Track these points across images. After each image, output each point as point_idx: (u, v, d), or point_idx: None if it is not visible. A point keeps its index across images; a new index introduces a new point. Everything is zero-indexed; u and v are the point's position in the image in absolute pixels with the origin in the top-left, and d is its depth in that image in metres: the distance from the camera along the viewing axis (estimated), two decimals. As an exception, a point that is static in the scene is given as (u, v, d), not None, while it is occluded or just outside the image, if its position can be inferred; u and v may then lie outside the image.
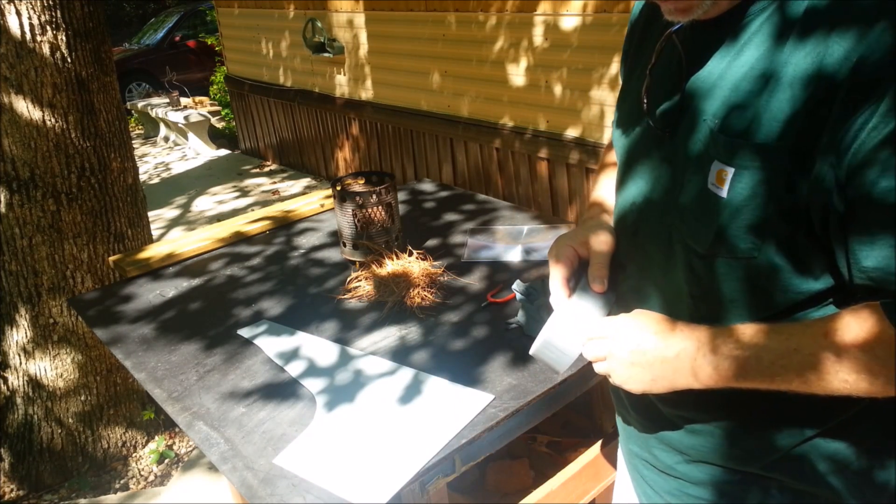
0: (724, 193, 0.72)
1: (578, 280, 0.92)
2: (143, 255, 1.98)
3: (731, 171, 0.71)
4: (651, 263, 0.86)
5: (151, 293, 1.77)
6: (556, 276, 0.92)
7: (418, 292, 1.59)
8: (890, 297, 0.65)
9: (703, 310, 0.80)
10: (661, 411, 0.91)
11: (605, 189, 1.07)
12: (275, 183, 5.84)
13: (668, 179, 0.81)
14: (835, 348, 0.67)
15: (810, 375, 0.69)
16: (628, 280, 0.91)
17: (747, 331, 0.74)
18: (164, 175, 6.53)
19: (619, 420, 1.07)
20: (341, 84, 4.96)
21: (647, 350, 0.80)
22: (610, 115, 3.12)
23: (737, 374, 0.74)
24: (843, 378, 0.68)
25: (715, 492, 0.89)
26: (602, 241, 0.93)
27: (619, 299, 0.91)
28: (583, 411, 1.89)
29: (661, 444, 0.93)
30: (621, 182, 0.93)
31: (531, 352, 0.89)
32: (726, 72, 0.73)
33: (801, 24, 0.67)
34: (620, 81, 1.02)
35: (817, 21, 0.66)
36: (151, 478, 2.63)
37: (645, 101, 0.85)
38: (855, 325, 0.67)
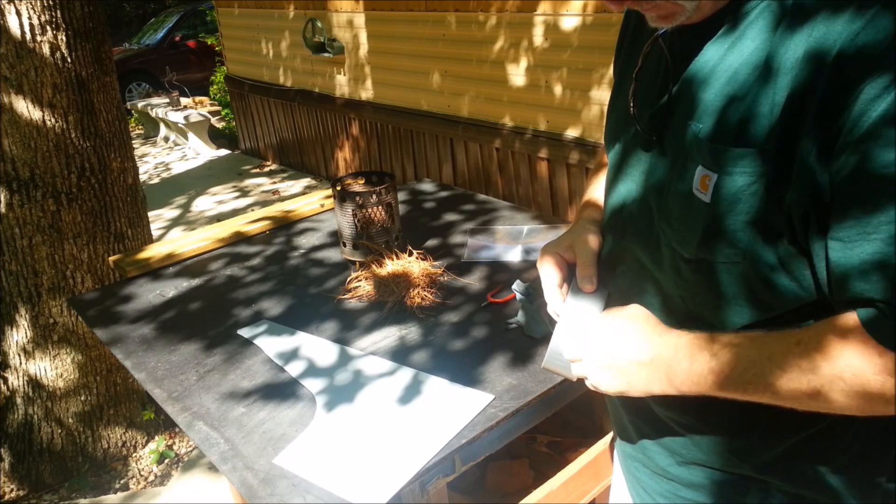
0: (707, 198, 0.71)
1: (570, 285, 0.92)
2: (143, 255, 1.98)
3: (714, 177, 0.70)
4: (641, 265, 0.86)
5: (151, 293, 1.77)
6: (548, 284, 0.93)
7: (418, 292, 1.59)
8: (861, 304, 0.63)
9: (695, 310, 0.80)
10: (654, 412, 0.90)
11: (599, 189, 1.07)
12: (275, 183, 5.84)
13: (655, 184, 0.81)
14: (806, 356, 0.66)
15: (779, 385, 0.68)
16: (621, 279, 0.91)
17: (725, 339, 0.72)
18: (164, 175, 6.53)
19: (612, 421, 1.07)
20: (341, 84, 4.96)
21: (620, 353, 0.80)
22: (610, 115, 3.12)
23: (714, 383, 0.72)
24: (814, 386, 0.66)
25: (709, 495, 0.88)
26: (586, 242, 0.94)
27: (616, 297, 0.91)
28: (583, 411, 1.88)
29: (654, 445, 0.93)
30: (611, 185, 0.93)
31: (542, 366, 0.90)
32: (717, 66, 0.72)
33: (788, 20, 0.66)
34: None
35: (803, 16, 0.65)
36: (151, 478, 2.63)
37: (632, 105, 0.85)
38: (829, 334, 0.65)
